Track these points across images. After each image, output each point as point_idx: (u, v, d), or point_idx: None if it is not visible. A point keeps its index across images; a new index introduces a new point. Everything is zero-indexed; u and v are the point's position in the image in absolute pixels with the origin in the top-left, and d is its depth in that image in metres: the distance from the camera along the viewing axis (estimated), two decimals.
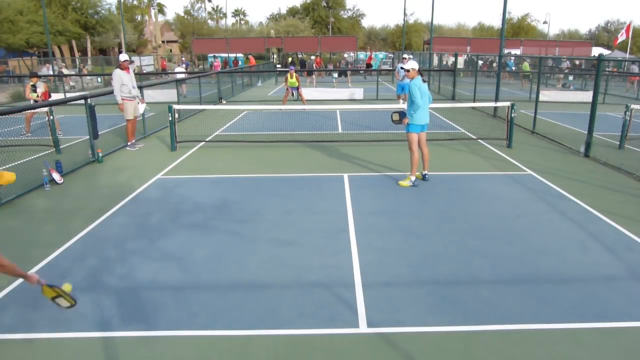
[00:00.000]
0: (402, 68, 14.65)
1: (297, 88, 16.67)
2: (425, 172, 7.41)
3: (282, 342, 3.41)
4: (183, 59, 30.87)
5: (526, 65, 24.80)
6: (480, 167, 8.33)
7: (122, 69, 9.73)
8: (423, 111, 7.03)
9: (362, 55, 46.14)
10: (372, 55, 40.74)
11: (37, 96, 11.32)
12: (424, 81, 7.02)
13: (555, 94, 19.94)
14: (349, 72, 28.96)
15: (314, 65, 32.39)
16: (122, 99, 9.73)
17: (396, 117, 7.38)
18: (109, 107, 14.15)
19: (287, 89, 16.93)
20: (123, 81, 9.69)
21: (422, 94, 6.94)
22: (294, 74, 16.66)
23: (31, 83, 11.51)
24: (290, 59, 39.13)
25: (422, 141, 7.30)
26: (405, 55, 15.82)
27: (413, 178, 7.16)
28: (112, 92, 10.74)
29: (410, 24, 56.73)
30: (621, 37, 28.74)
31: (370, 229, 5.45)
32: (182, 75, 20.67)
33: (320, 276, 4.34)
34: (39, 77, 11.58)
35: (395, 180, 7.43)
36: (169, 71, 31.16)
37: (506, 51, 34.10)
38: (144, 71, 27.39)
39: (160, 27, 63.71)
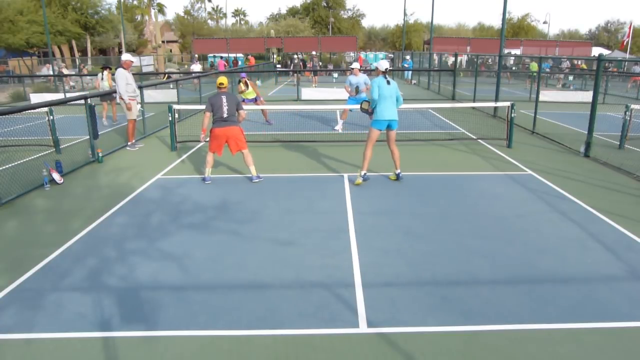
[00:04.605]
0: (365, 70, 12.33)
1: (256, 100, 12.40)
2: (398, 171, 7.36)
3: (282, 342, 3.41)
4: (196, 56, 31.77)
5: (534, 65, 24.77)
6: (480, 167, 8.33)
7: (124, 68, 9.74)
8: (384, 107, 6.99)
9: (362, 55, 46.11)
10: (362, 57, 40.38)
11: (108, 87, 13.04)
12: (388, 82, 7.00)
13: (555, 94, 19.94)
14: (311, 73, 27.31)
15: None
16: (129, 99, 9.73)
17: (365, 105, 7.34)
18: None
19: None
20: (128, 80, 9.70)
21: (382, 91, 6.96)
22: (247, 81, 12.28)
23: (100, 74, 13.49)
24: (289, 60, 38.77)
25: (391, 140, 7.29)
26: (354, 65, 11.68)
27: (363, 172, 7.20)
28: (112, 92, 10.73)
29: (410, 24, 56.72)
30: (625, 38, 28.81)
31: (370, 229, 5.45)
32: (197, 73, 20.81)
33: (320, 276, 4.34)
34: (109, 69, 13.59)
35: (396, 180, 7.43)
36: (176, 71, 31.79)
37: (506, 51, 34.11)
38: (143, 71, 27.37)
39: (160, 27, 63.61)
